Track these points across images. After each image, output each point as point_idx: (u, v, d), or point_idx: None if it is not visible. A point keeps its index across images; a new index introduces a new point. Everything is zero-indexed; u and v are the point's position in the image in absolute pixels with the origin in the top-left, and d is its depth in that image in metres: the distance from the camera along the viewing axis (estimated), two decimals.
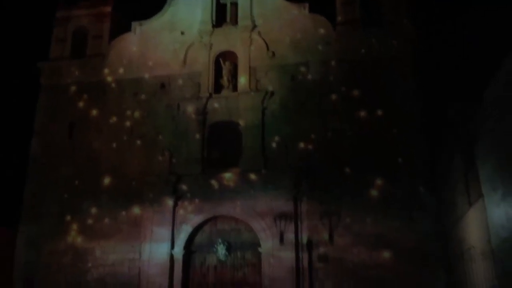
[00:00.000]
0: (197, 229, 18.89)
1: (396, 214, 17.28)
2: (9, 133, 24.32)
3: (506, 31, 12.61)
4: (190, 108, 20.21)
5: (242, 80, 20.27)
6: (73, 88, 21.46)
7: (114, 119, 20.66)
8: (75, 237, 19.25)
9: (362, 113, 18.77)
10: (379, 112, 18.60)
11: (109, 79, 21.35)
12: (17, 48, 24.99)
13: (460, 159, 16.74)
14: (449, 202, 18.11)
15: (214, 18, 21.50)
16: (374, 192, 17.71)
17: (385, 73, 19.06)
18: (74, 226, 19.36)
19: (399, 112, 18.51)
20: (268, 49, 20.54)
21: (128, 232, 18.96)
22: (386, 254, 16.93)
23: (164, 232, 18.59)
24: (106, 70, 21.51)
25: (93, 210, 19.40)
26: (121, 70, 21.40)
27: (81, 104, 21.17)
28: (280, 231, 17.83)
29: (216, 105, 20.16)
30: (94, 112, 20.93)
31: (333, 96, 19.27)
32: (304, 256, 17.53)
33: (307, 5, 20.91)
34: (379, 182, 17.79)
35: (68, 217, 19.51)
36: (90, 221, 19.33)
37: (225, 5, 21.95)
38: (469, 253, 14.49)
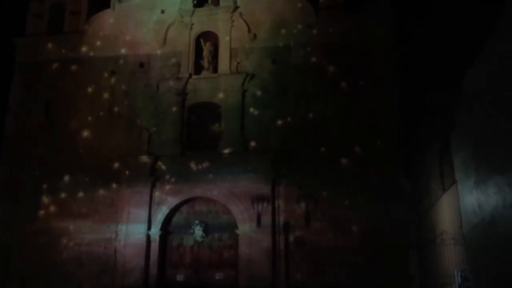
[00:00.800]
0: (174, 210, 18.90)
1: (372, 199, 17.49)
2: None
3: (487, 18, 12.74)
4: (170, 89, 20.03)
5: (223, 61, 20.11)
6: (49, 65, 20.98)
7: (91, 98, 20.36)
8: (51, 217, 19.03)
9: (342, 98, 18.88)
10: (359, 97, 18.73)
11: (87, 56, 20.96)
12: None
13: (436, 145, 17.04)
14: (424, 188, 18.48)
15: None
16: (351, 177, 17.89)
17: (365, 59, 19.12)
18: (50, 206, 19.13)
19: (378, 97, 18.66)
20: (249, 31, 20.40)
21: (104, 212, 18.86)
22: (362, 239, 17.19)
23: (141, 212, 18.56)
24: (83, 48, 21.09)
25: (70, 190, 19.19)
26: (99, 48, 21.02)
27: (57, 81, 20.77)
28: (257, 213, 17.97)
29: (196, 86, 20.02)
30: (71, 90, 20.57)
31: (314, 80, 19.31)
32: (281, 239, 17.72)
33: None
34: (357, 167, 17.97)
35: (44, 197, 19.26)
36: (66, 201, 19.13)
37: None
38: (441, 238, 14.83)
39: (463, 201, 14.34)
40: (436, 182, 17.08)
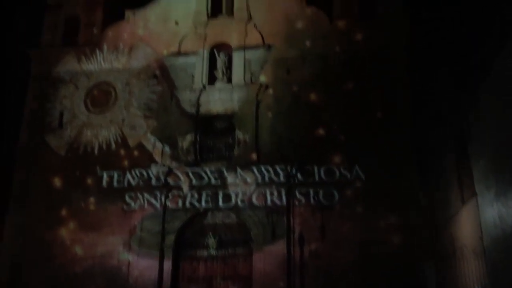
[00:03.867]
0: (187, 223, 18.72)
1: (388, 210, 17.20)
2: None
3: (501, 26, 12.48)
4: (183, 99, 19.98)
5: (237, 72, 20.03)
6: (64, 76, 21.12)
7: (105, 109, 20.39)
8: (64, 228, 18.99)
9: (356, 107, 18.68)
10: (373, 106, 18.55)
11: (102, 68, 21.03)
12: (6, 35, 24.43)
13: (454, 156, 16.69)
14: (442, 199, 18.09)
15: (209, 9, 21.21)
16: (367, 188, 17.63)
17: (379, 67, 18.95)
18: (63, 217, 19.10)
19: (393, 106, 18.46)
20: (263, 41, 20.32)
21: (118, 224, 18.76)
22: (378, 251, 16.84)
23: (154, 224, 18.41)
24: (98, 59, 21.19)
25: (83, 201, 19.17)
26: (113, 59, 21.09)
27: (72, 92, 20.87)
28: (272, 225, 17.73)
29: (209, 96, 19.95)
30: (85, 101, 20.63)
31: (328, 90, 19.13)
32: (296, 252, 17.43)
33: None
34: (372, 177, 17.70)
35: (57, 208, 19.24)
36: (79, 212, 19.08)
37: None
38: (461, 251, 14.45)
39: (484, 214, 13.96)
40: (455, 193, 16.70)
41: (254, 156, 18.79)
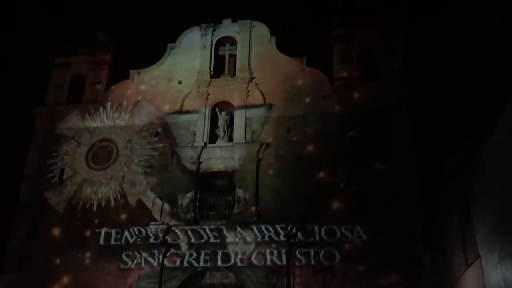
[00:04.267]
0: (186, 282, 18.27)
1: (392, 272, 16.77)
2: None
3: (504, 83, 12.59)
4: (184, 157, 20.05)
5: (238, 130, 20.21)
6: (67, 133, 21.38)
7: (106, 166, 20.47)
8: (60, 286, 18.53)
9: (358, 168, 18.62)
10: (375, 166, 18.50)
11: (105, 125, 21.28)
12: (10, 93, 24.97)
13: (457, 216, 16.44)
14: (446, 260, 17.67)
15: (212, 69, 21.71)
16: (370, 249, 17.26)
17: (380, 128, 19.05)
18: (61, 276, 18.71)
19: (395, 165, 18.34)
20: (265, 101, 20.63)
21: (115, 283, 18.32)
22: None
23: (151, 284, 17.98)
24: (102, 116, 21.48)
25: (79, 261, 18.82)
26: (116, 117, 21.38)
27: (74, 149, 21.03)
28: (271, 286, 17.29)
29: (210, 154, 20.01)
30: (87, 157, 20.74)
31: (329, 149, 19.17)
32: None
33: (304, 59, 21.18)
34: (375, 238, 17.39)
35: (55, 267, 18.91)
36: (77, 271, 18.70)
37: (223, 57, 22.24)
38: None
39: (488, 277, 13.56)
40: (459, 255, 16.32)
41: (254, 214, 18.58)
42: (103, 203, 19.77)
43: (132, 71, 22.33)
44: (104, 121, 21.42)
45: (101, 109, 21.62)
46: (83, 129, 21.36)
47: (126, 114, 21.40)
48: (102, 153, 20.82)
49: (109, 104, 21.70)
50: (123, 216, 19.34)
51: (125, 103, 21.61)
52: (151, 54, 22.81)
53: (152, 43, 23.96)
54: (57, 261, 18.99)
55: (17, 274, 18.96)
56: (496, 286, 12.94)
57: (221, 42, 22.38)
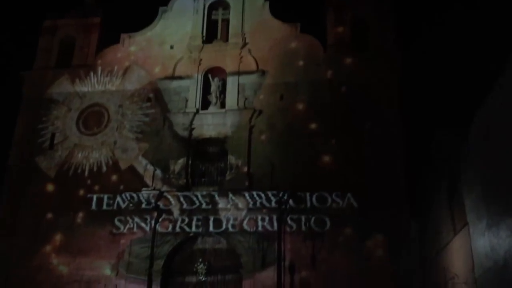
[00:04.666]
0: (177, 247, 18.45)
1: (379, 241, 17.04)
2: None
3: (496, 55, 12.61)
4: (176, 123, 19.94)
5: (230, 97, 20.07)
6: (56, 97, 21.08)
7: (97, 131, 20.30)
8: (50, 253, 18.63)
9: (349, 137, 18.66)
10: (365, 137, 18.51)
11: (95, 90, 21.01)
12: None
13: (446, 187, 16.66)
14: (433, 230, 17.98)
15: (204, 34, 21.37)
16: (358, 218, 17.46)
17: (372, 97, 19.02)
18: (50, 241, 18.77)
19: (384, 136, 18.39)
20: (257, 67, 20.42)
21: (105, 248, 18.44)
22: (369, 282, 16.59)
23: (143, 249, 18.12)
24: (92, 81, 21.19)
25: (70, 225, 18.85)
26: (107, 82, 21.09)
27: (64, 114, 20.79)
28: (262, 252, 17.49)
29: (202, 121, 19.92)
30: (77, 123, 20.55)
31: (321, 118, 19.14)
32: (286, 280, 17.14)
33: (298, 25, 20.92)
34: (363, 207, 17.57)
35: (44, 232, 18.92)
36: (66, 237, 18.74)
37: (216, 21, 21.87)
38: (452, 282, 14.27)
39: (475, 244, 13.85)
40: (447, 223, 16.61)
41: (246, 181, 18.65)
42: (95, 169, 19.71)
43: (122, 35, 21.92)
44: (94, 85, 21.14)
45: (92, 73, 21.30)
46: (74, 94, 21.08)
47: (117, 79, 21.13)
48: (93, 118, 20.62)
49: (99, 69, 21.37)
50: (115, 182, 19.31)
51: (116, 67, 21.31)
52: (142, 18, 22.38)
53: (143, 6, 23.48)
54: (48, 225, 18.98)
55: (6, 240, 18.87)
56: (483, 252, 13.23)
57: (214, 6, 21.99)
